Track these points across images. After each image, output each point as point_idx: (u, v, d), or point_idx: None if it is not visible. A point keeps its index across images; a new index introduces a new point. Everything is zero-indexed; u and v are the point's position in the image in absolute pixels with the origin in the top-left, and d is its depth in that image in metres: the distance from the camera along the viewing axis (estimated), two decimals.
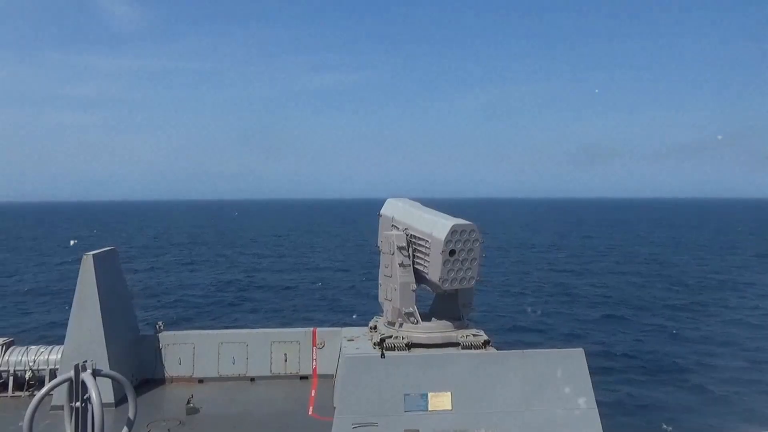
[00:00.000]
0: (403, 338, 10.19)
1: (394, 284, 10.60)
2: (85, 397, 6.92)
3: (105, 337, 11.05)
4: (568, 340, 32.26)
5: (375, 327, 11.18)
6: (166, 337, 12.64)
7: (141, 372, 12.36)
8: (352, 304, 43.18)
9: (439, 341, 10.27)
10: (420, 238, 10.58)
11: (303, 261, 73.20)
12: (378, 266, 11.33)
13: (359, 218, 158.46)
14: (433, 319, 10.75)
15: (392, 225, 11.49)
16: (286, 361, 12.65)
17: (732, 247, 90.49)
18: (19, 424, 7.24)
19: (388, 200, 12.37)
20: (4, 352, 11.90)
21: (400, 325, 10.51)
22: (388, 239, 10.88)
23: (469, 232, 10.07)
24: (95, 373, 7.05)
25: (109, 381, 9.07)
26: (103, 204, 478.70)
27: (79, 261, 11.32)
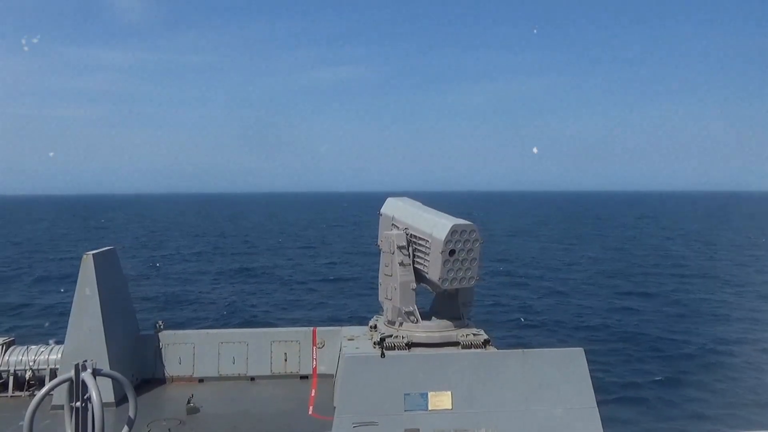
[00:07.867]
0: (403, 337, 10.20)
1: (394, 283, 10.61)
2: (85, 396, 6.92)
3: (105, 337, 11.06)
4: (569, 339, 32.29)
5: (375, 326, 11.19)
6: (166, 337, 12.64)
7: (141, 372, 12.37)
8: (352, 302, 43.22)
9: (439, 340, 10.28)
10: (420, 238, 10.58)
11: (304, 257, 73.20)
12: (378, 265, 11.35)
13: (363, 212, 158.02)
14: (433, 318, 10.76)
15: (392, 224, 11.49)
16: (286, 360, 12.65)
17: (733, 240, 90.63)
18: (20, 424, 7.25)
19: (389, 199, 12.37)
20: (4, 352, 11.92)
21: (400, 324, 10.52)
22: (388, 238, 10.88)
23: (469, 232, 10.07)
24: (95, 373, 7.05)
25: (109, 381, 9.07)
26: (105, 197, 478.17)
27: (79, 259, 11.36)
